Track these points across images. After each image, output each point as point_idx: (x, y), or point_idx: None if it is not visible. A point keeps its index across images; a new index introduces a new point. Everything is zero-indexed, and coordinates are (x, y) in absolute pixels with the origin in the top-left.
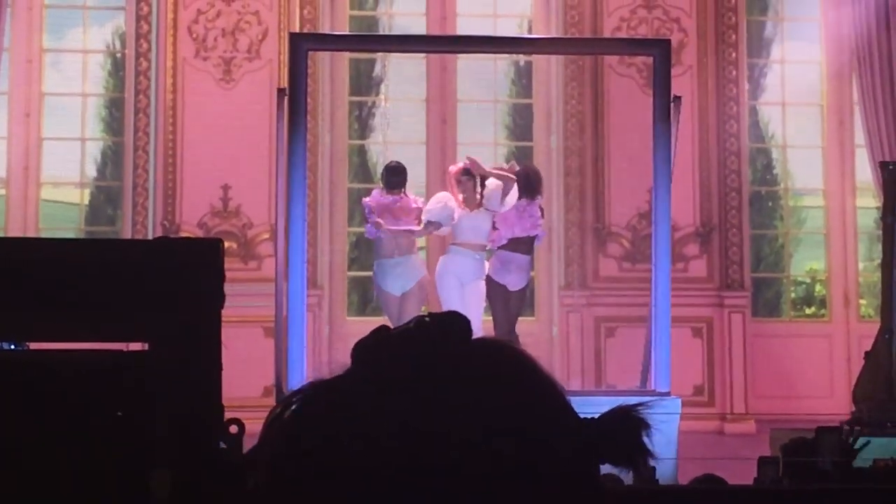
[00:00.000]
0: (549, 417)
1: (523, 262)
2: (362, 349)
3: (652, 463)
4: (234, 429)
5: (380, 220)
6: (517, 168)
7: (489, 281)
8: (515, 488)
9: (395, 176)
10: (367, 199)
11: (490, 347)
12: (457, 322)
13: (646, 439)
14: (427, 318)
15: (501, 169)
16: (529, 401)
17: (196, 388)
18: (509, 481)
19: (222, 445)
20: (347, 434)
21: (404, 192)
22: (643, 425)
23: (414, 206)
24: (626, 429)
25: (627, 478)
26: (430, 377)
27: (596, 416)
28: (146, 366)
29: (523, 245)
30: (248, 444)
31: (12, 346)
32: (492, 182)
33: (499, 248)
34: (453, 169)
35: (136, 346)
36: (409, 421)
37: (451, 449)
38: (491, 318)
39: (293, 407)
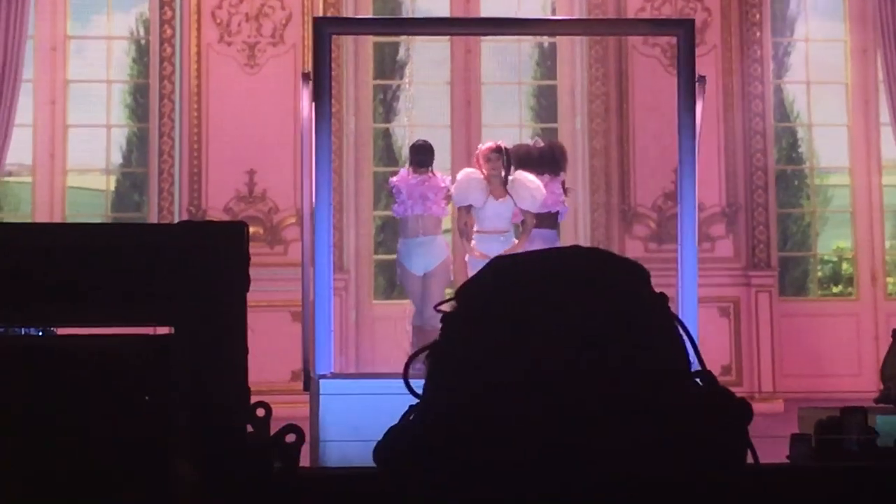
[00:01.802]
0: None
1: (549, 237)
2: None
3: None
4: (261, 412)
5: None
6: (542, 144)
7: None
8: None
9: (422, 154)
10: (394, 179)
11: (656, 300)
12: (640, 271)
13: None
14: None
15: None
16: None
17: (222, 371)
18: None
19: (249, 428)
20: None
21: (432, 171)
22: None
23: (442, 185)
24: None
25: None
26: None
27: None
28: (171, 349)
29: (546, 221)
30: (275, 426)
31: (40, 332)
32: (527, 179)
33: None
34: (482, 148)
35: (161, 331)
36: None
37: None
38: None
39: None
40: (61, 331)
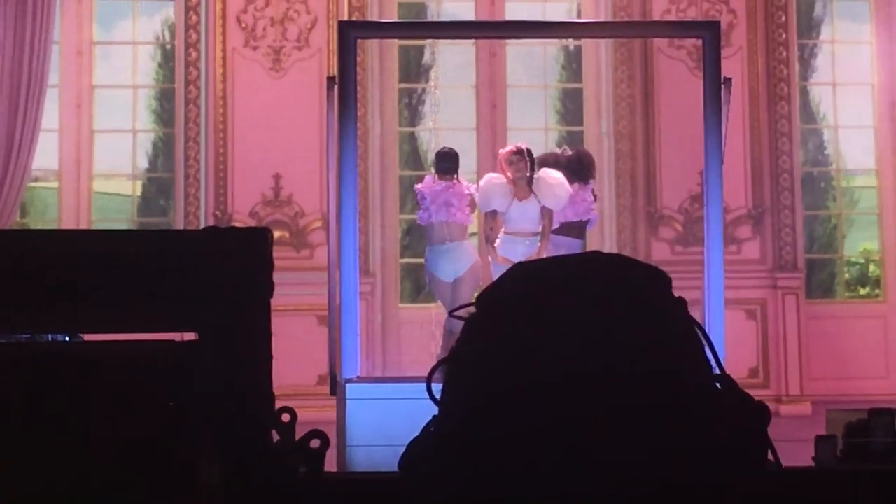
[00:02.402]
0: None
1: (575, 247)
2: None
3: None
4: (286, 417)
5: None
6: (569, 152)
7: None
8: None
9: (447, 161)
10: (419, 186)
11: (677, 306)
12: (662, 277)
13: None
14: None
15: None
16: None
17: (246, 377)
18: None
19: (275, 434)
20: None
21: (457, 178)
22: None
23: (467, 192)
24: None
25: None
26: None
27: None
28: (196, 355)
29: (575, 230)
30: (302, 430)
31: (66, 338)
32: (550, 176)
33: (553, 232)
34: (503, 151)
35: (186, 337)
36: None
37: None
38: None
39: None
40: (87, 337)
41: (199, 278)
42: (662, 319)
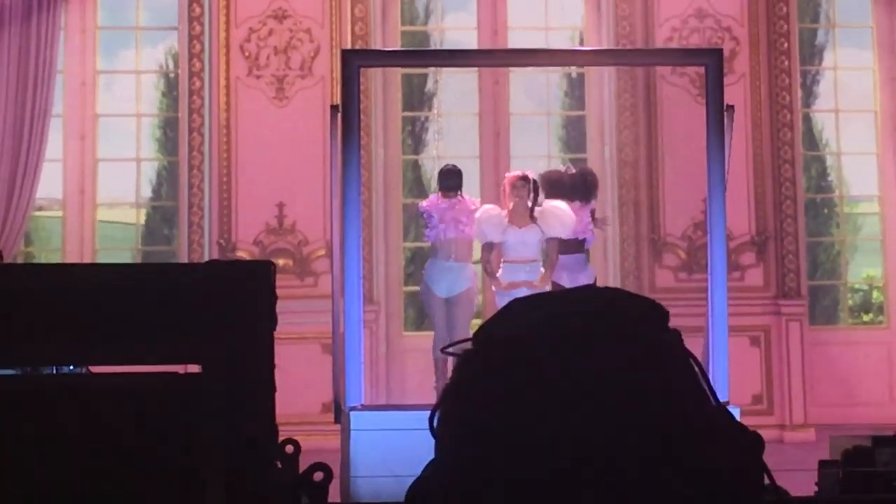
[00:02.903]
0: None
1: (581, 260)
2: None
3: None
4: (289, 448)
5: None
6: (573, 170)
7: (557, 288)
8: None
9: (451, 179)
10: (423, 205)
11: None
12: (657, 310)
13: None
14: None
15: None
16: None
17: (249, 410)
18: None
19: (278, 465)
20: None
21: (461, 195)
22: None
23: (472, 207)
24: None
25: None
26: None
27: None
28: (199, 388)
29: (574, 246)
30: (306, 458)
31: (72, 368)
32: (556, 208)
33: None
34: (509, 176)
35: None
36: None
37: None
38: None
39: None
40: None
41: (202, 311)
42: (658, 356)
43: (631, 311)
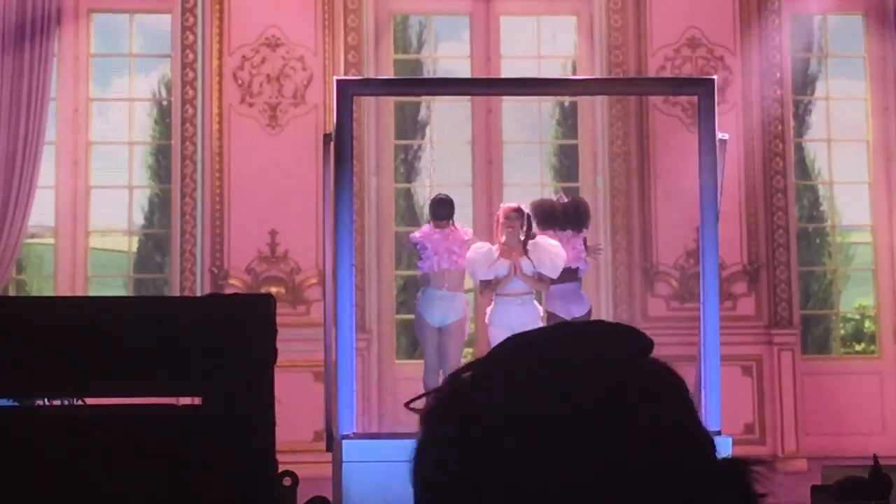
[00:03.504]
0: (688, 442)
1: (575, 289)
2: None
3: None
4: (287, 481)
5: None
6: (565, 199)
7: (553, 318)
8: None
9: (442, 208)
10: (416, 236)
11: (660, 369)
12: (642, 340)
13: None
14: (599, 325)
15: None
16: (678, 425)
17: (249, 442)
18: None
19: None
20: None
21: (453, 224)
22: (756, 476)
23: (465, 238)
24: (743, 475)
25: None
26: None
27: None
28: (200, 420)
29: (568, 275)
30: (302, 488)
31: (65, 402)
32: (548, 243)
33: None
34: (504, 206)
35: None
36: (551, 428)
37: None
38: None
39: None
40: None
41: (203, 344)
42: (637, 390)
43: (608, 346)
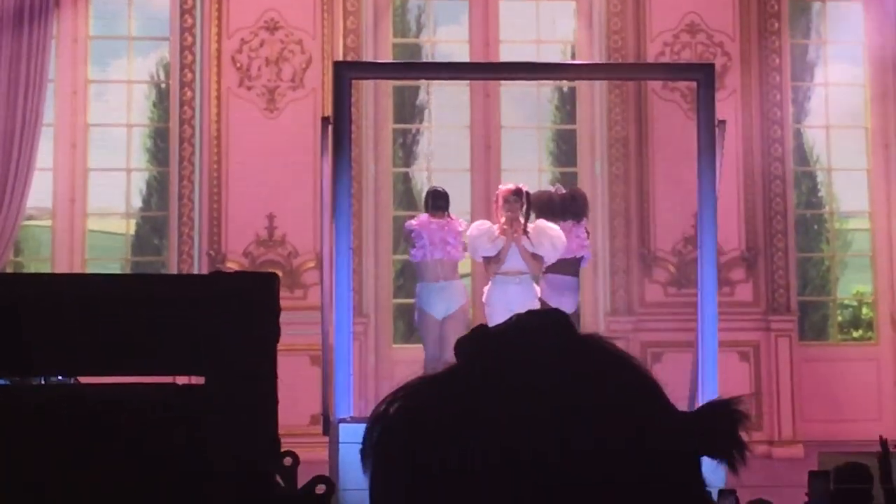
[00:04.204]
0: (650, 412)
1: (572, 284)
2: (463, 344)
3: None
4: (288, 461)
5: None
6: (563, 191)
7: (543, 306)
8: (617, 484)
9: (440, 200)
10: (412, 223)
11: (590, 342)
12: (556, 316)
13: (743, 434)
14: (526, 314)
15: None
16: (631, 395)
17: (252, 422)
18: (611, 478)
19: (279, 479)
20: (450, 430)
21: (448, 215)
22: (741, 418)
23: (460, 228)
24: (724, 422)
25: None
26: (529, 371)
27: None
28: (202, 400)
29: (570, 266)
30: (301, 471)
31: (59, 378)
32: (549, 227)
33: (546, 271)
34: (503, 188)
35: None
36: (507, 416)
37: (551, 445)
38: None
39: (397, 403)
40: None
41: (206, 323)
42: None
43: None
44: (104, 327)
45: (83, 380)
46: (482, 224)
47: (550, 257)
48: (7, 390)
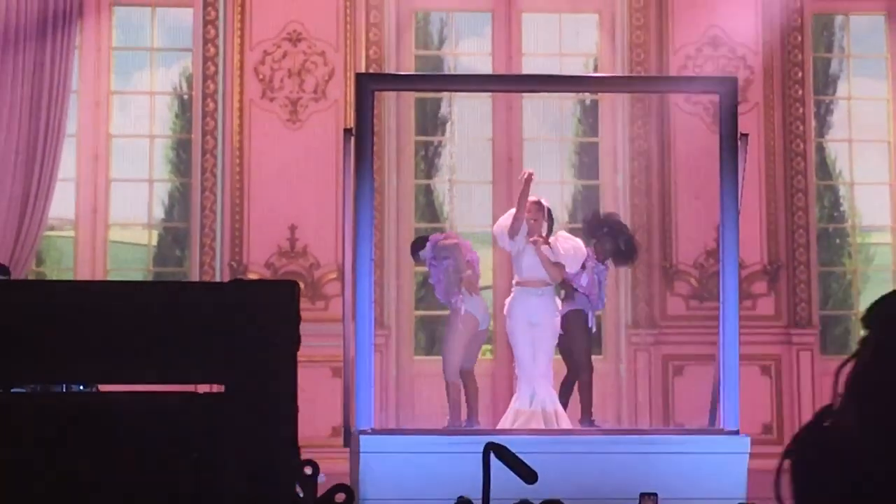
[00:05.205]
0: None
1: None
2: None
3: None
4: (308, 470)
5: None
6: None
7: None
8: None
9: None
10: (472, 253)
11: None
12: None
13: None
14: None
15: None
16: None
17: (272, 430)
18: None
19: (298, 489)
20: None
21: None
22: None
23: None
24: None
25: None
26: None
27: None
28: (223, 408)
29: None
30: (321, 482)
31: (82, 387)
32: (571, 238)
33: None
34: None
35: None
36: None
37: None
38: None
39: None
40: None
41: (226, 330)
42: None
43: None
44: (122, 335)
45: (104, 387)
46: (509, 216)
47: (571, 266)
48: (29, 398)
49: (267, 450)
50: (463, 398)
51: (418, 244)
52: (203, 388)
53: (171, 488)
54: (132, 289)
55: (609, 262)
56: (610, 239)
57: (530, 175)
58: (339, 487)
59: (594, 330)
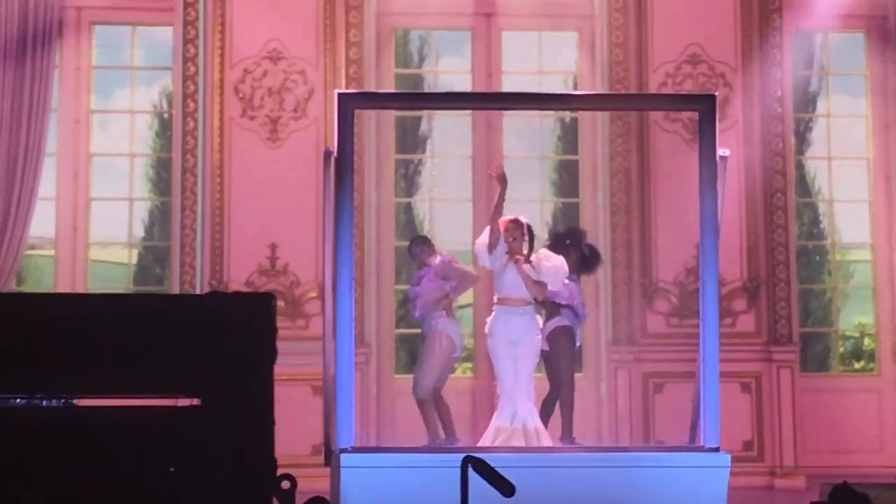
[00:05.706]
0: None
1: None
2: None
3: None
4: (286, 484)
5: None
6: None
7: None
8: None
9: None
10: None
11: None
12: None
13: None
14: None
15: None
16: None
17: (248, 443)
18: None
19: (275, 501)
20: None
21: (427, 264)
22: None
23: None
24: None
25: None
26: None
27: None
28: (198, 421)
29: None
30: (300, 499)
31: (55, 402)
32: (552, 256)
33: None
34: (503, 219)
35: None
36: None
37: None
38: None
39: None
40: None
41: (202, 343)
42: None
43: None
44: (98, 347)
45: (81, 402)
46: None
47: (554, 283)
48: (4, 412)
49: (243, 462)
50: (436, 418)
51: (420, 241)
52: (185, 402)
53: (147, 501)
54: (108, 300)
55: (577, 274)
56: (575, 249)
57: (501, 173)
58: (317, 500)
59: (578, 344)
